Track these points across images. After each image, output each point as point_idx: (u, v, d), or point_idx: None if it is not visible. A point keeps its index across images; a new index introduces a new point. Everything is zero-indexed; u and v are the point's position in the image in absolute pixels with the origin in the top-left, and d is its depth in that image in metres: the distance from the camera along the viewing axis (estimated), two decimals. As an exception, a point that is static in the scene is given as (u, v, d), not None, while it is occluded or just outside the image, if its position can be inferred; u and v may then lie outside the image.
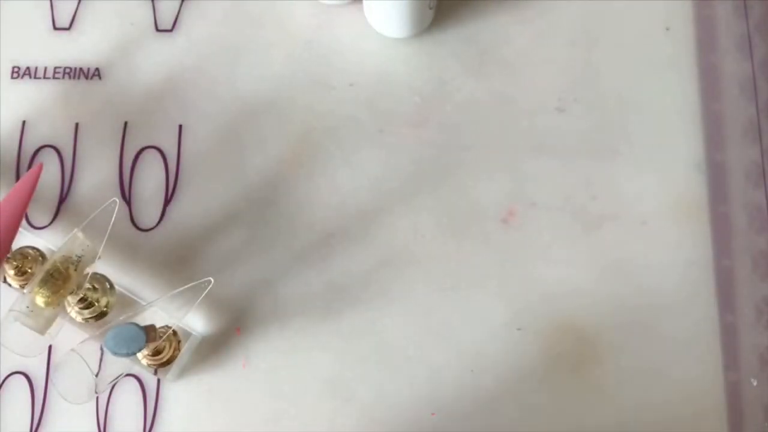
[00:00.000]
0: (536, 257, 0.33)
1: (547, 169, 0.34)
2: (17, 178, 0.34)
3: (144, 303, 0.32)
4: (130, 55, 0.36)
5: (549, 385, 0.32)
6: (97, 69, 0.36)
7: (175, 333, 0.31)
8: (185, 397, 0.32)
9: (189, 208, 0.34)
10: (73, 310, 0.31)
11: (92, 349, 0.31)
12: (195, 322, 0.33)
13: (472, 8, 0.37)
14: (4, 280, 0.32)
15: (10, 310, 0.30)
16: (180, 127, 0.35)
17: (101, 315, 0.31)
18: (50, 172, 0.34)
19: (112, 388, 0.32)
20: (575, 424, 0.32)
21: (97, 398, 0.32)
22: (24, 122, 0.35)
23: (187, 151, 0.35)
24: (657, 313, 0.33)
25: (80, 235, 0.31)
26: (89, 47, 0.36)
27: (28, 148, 0.35)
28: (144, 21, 0.36)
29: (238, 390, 0.32)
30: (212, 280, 0.30)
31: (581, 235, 0.34)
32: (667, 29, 0.36)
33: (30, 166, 0.35)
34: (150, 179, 0.34)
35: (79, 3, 0.37)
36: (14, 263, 0.31)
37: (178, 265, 0.33)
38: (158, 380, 0.32)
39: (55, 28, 0.36)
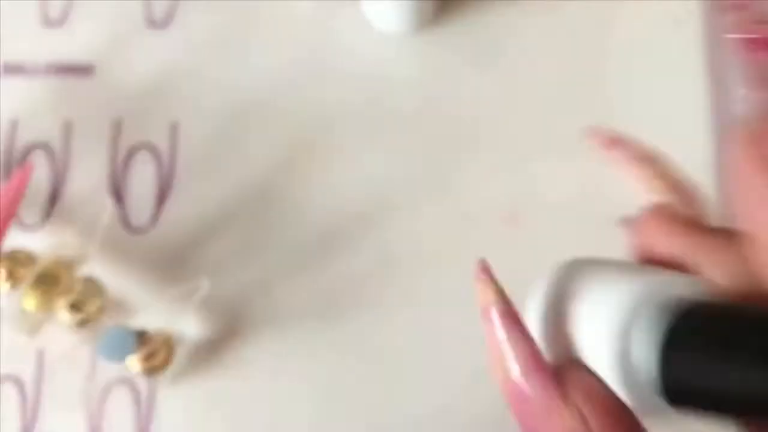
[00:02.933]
0: (537, 257, 0.33)
1: (549, 168, 0.34)
2: (8, 176, 0.34)
3: (137, 306, 0.32)
4: (123, 51, 0.35)
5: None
6: (89, 65, 0.35)
7: (168, 337, 0.31)
8: (180, 402, 0.32)
9: (183, 208, 0.34)
10: (63, 313, 0.31)
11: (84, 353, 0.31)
12: (189, 325, 0.32)
13: (475, 5, 0.36)
14: (-6, 283, 0.31)
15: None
16: (174, 125, 0.34)
17: (92, 318, 0.31)
18: (41, 170, 0.34)
19: (104, 395, 0.32)
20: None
21: (90, 404, 0.31)
22: (15, 120, 0.35)
23: (181, 150, 0.34)
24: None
25: (71, 237, 0.31)
26: (82, 43, 0.36)
27: (19, 146, 0.34)
28: (137, 16, 0.36)
29: (234, 394, 0.32)
30: (207, 282, 0.30)
31: (583, 235, 0.33)
32: (676, 25, 0.36)
33: (21, 164, 0.34)
34: (143, 179, 0.34)
35: (70, -3, 0.36)
36: (4, 265, 0.31)
37: (171, 267, 0.33)
38: (152, 385, 0.32)
39: (47, 24, 0.36)
